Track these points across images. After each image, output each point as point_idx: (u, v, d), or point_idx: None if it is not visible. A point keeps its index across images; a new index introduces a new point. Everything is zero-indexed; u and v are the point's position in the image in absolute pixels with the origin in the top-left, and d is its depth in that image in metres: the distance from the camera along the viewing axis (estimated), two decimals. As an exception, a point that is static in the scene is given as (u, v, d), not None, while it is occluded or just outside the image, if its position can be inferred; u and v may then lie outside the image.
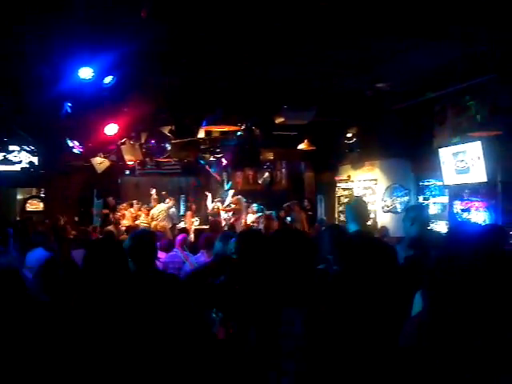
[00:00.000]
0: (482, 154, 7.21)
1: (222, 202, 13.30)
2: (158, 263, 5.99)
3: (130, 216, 12.89)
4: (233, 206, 12.56)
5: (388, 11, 4.84)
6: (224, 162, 13.37)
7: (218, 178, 14.62)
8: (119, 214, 13.10)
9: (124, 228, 11.15)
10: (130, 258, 3.35)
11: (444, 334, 1.97)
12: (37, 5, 4.36)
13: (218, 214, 12.71)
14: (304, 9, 4.79)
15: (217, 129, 8.99)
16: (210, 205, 13.45)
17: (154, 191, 13.92)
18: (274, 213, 12.53)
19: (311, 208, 12.53)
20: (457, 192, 8.00)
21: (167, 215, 13.05)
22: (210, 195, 13.90)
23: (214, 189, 15.18)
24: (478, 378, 1.95)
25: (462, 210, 7.84)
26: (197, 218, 13.36)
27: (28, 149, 12.05)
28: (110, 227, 11.49)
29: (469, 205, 7.69)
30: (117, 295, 2.80)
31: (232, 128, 8.71)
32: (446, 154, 7.94)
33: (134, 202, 14.39)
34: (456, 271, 2.09)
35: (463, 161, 7.55)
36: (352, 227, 4.17)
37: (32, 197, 15.03)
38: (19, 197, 15.63)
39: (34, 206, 14.69)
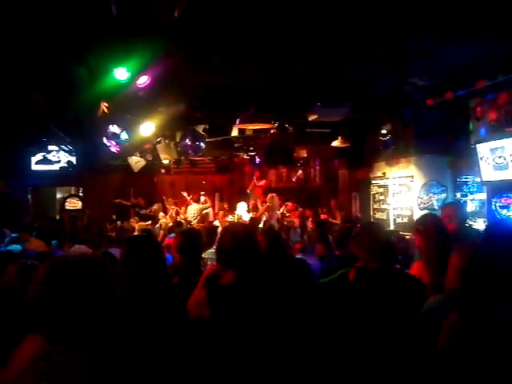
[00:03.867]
0: (520, 150, 7.05)
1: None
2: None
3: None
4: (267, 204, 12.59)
5: (424, 5, 4.78)
6: (258, 160, 13.42)
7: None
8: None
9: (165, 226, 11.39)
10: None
11: (475, 335, 1.94)
12: (74, 5, 4.46)
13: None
14: (337, 4, 4.77)
15: (250, 127, 9.00)
16: (243, 213, 13.34)
17: (185, 193, 14.09)
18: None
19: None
20: (495, 188, 7.83)
21: (201, 215, 13.20)
22: (243, 204, 13.79)
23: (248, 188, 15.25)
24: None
25: (501, 207, 7.67)
26: (231, 217, 13.42)
27: (66, 149, 12.32)
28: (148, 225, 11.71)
29: (508, 201, 7.52)
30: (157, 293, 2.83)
31: (265, 126, 8.71)
32: (483, 150, 7.77)
33: (169, 200, 14.63)
34: (491, 271, 2.05)
35: (501, 157, 7.38)
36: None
37: (71, 195, 15.38)
38: (58, 196, 16.01)
39: (73, 204, 15.03)
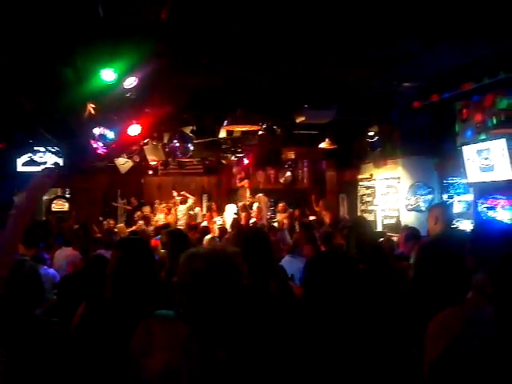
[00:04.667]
0: (506, 151, 7.10)
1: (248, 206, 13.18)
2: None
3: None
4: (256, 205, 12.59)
5: (410, 10, 4.81)
6: (245, 161, 13.43)
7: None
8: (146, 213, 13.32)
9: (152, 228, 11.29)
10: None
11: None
12: (60, 7, 4.43)
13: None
14: (325, 8, 4.78)
15: (238, 128, 9.00)
16: (228, 216, 13.21)
17: (175, 193, 14.05)
18: None
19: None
20: (482, 190, 7.89)
21: (188, 215, 13.17)
22: (230, 206, 13.68)
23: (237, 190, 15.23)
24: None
25: (487, 208, 7.74)
26: (219, 218, 13.41)
27: (53, 150, 12.23)
28: (141, 225, 11.63)
29: (494, 203, 7.59)
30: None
31: (253, 127, 8.72)
32: (469, 152, 7.83)
33: (157, 201, 14.60)
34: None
35: (487, 158, 7.44)
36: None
37: (57, 197, 15.26)
38: (45, 197, 15.88)
39: (60, 206, 14.94)
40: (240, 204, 13.41)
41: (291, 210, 12.63)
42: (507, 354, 1.92)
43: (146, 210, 13.88)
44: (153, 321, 2.07)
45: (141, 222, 12.16)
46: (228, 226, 11.11)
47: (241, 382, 1.97)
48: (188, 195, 13.92)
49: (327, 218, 11.45)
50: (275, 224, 11.63)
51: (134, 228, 11.45)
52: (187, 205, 13.58)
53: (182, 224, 12.49)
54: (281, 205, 12.97)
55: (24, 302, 2.41)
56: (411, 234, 5.89)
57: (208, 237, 7.04)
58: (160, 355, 1.91)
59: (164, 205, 14.14)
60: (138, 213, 13.37)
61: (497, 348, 1.93)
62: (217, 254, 2.03)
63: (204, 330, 1.93)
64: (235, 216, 12.45)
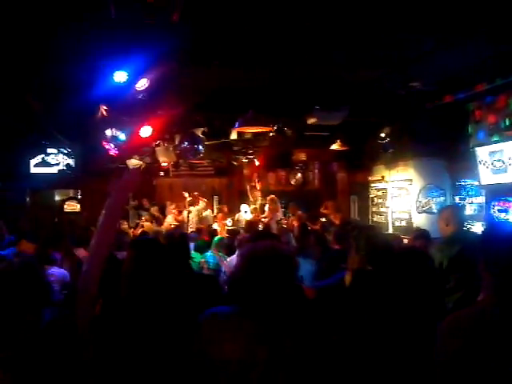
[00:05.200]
0: (519, 153, 7.05)
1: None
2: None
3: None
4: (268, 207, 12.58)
5: (421, 9, 4.79)
6: (257, 163, 13.42)
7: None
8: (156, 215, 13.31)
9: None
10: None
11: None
12: (72, 8, 4.47)
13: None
14: (335, 7, 4.77)
15: (249, 130, 9.00)
16: (244, 215, 13.27)
17: (187, 194, 14.05)
18: None
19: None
20: (494, 192, 7.83)
21: (199, 217, 13.18)
22: (245, 206, 13.73)
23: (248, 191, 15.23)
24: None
25: (499, 211, 7.67)
26: (230, 220, 13.41)
27: (65, 151, 12.31)
28: (151, 226, 11.65)
29: (506, 205, 7.52)
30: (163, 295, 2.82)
31: (264, 129, 8.71)
32: (482, 154, 7.78)
33: (168, 202, 14.62)
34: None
35: (500, 160, 7.38)
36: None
37: (69, 198, 15.35)
38: (57, 198, 15.99)
39: (72, 207, 15.00)
40: (252, 206, 13.42)
41: (300, 212, 12.60)
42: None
43: (154, 211, 13.87)
44: (214, 317, 2.10)
45: (147, 224, 12.17)
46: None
47: (307, 373, 2.02)
48: (201, 198, 13.92)
49: (337, 220, 11.40)
50: (285, 226, 11.62)
51: (139, 229, 11.49)
52: (198, 207, 13.59)
53: (192, 226, 12.51)
54: (291, 207, 12.96)
55: (25, 301, 2.30)
56: (420, 234, 5.91)
57: (217, 238, 7.06)
58: (226, 353, 1.97)
59: (174, 206, 14.15)
60: (146, 216, 13.40)
61: (503, 351, 1.91)
62: (277, 250, 2.10)
63: (268, 325, 1.99)
64: (247, 218, 12.47)
